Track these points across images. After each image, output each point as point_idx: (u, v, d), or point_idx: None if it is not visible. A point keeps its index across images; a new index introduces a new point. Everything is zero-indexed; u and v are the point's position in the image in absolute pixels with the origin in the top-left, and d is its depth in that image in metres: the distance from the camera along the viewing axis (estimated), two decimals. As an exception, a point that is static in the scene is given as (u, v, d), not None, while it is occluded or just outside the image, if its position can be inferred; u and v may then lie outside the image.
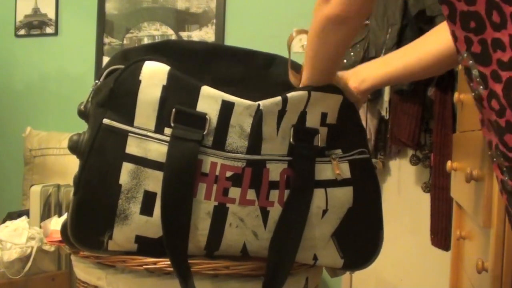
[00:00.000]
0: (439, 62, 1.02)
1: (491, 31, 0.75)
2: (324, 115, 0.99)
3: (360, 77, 1.06)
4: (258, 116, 0.94)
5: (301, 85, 0.97)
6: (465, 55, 0.78)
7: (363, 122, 1.58)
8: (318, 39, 0.88)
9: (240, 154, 0.93)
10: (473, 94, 0.80)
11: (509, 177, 0.78)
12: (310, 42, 0.90)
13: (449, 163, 1.59)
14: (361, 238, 1.05)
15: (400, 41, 2.02)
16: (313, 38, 0.89)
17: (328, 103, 0.99)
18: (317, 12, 0.86)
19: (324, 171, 1.00)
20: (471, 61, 0.78)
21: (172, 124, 0.92)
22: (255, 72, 1.05)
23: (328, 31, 0.86)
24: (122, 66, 0.96)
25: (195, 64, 1.04)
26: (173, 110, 0.93)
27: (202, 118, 0.93)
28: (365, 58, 2.07)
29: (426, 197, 2.16)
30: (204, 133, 0.92)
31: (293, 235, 0.98)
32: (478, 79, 0.78)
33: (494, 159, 0.80)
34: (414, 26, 1.97)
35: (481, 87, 0.78)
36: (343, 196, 1.01)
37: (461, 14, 0.76)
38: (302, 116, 0.98)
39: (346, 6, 0.82)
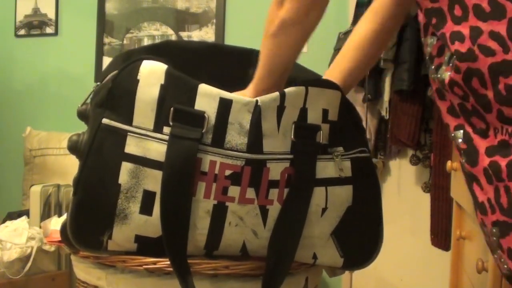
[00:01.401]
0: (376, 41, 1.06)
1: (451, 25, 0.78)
2: (325, 112, 0.99)
3: None
4: (257, 112, 0.94)
5: (251, 90, 0.99)
6: (429, 40, 0.83)
7: (363, 122, 1.58)
8: (273, 41, 0.93)
9: (240, 152, 0.93)
10: (441, 76, 0.82)
11: (466, 160, 0.80)
12: (265, 45, 0.95)
13: (449, 163, 1.59)
14: (361, 237, 1.05)
15: (400, 41, 2.03)
16: (268, 41, 0.94)
17: (328, 99, 0.99)
18: (272, 15, 0.92)
19: (325, 168, 0.99)
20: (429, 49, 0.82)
21: (171, 123, 0.93)
22: (254, 72, 1.05)
23: (284, 33, 0.92)
24: None
25: (195, 63, 1.04)
26: (172, 109, 0.93)
27: (200, 117, 0.93)
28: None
29: (426, 197, 2.16)
30: (203, 131, 0.92)
31: (292, 233, 0.97)
32: (451, 64, 0.80)
33: (454, 141, 0.83)
34: (414, 26, 1.98)
35: (448, 73, 0.80)
36: (343, 195, 1.01)
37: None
38: (303, 112, 0.98)
39: (296, 9, 0.89)
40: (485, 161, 0.77)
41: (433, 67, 0.84)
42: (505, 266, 0.77)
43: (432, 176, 2.09)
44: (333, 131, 1.01)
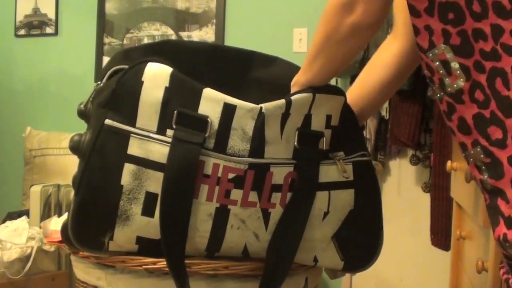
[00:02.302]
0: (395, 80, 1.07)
1: (471, 22, 0.75)
2: (328, 117, 0.99)
3: None
4: (261, 119, 0.93)
5: (299, 86, 0.97)
6: (443, 47, 0.79)
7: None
8: (341, 47, 0.90)
9: (242, 158, 0.93)
10: (443, 92, 0.80)
11: (488, 175, 0.78)
12: (327, 52, 0.91)
13: (449, 163, 1.59)
14: (361, 240, 1.04)
15: (400, 41, 2.02)
16: (333, 48, 0.90)
17: (331, 104, 0.99)
18: (337, 21, 0.87)
19: (328, 172, 0.99)
20: (449, 54, 0.78)
21: (174, 126, 0.92)
22: (255, 74, 1.05)
23: (355, 38, 0.88)
24: (125, 67, 0.96)
25: (194, 64, 1.04)
26: (175, 112, 0.92)
27: (203, 121, 0.93)
28: (365, 59, 2.07)
29: (426, 197, 2.16)
30: (206, 135, 0.92)
31: (293, 237, 0.97)
32: (458, 72, 0.78)
33: (471, 159, 0.80)
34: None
35: (461, 79, 0.78)
36: (345, 199, 1.01)
37: (439, 6, 0.77)
38: (307, 119, 0.97)
39: (371, 13, 0.84)
40: (510, 171, 0.75)
41: (436, 85, 0.82)
42: None
43: (432, 176, 2.09)
44: (335, 136, 1.00)
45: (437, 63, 0.80)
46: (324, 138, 0.98)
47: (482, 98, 0.77)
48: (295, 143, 0.96)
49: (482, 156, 0.78)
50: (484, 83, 0.76)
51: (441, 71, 0.80)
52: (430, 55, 0.80)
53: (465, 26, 0.77)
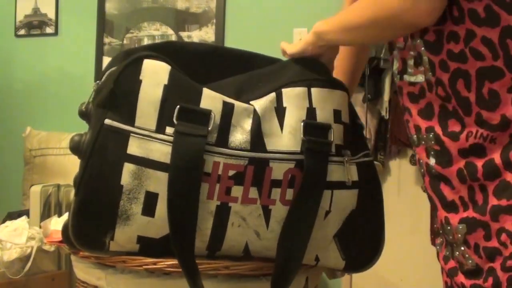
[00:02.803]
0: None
1: (450, 24, 0.79)
2: (337, 112, 0.99)
3: None
4: (257, 117, 0.95)
5: (315, 36, 0.97)
6: (418, 41, 0.84)
7: (363, 122, 1.58)
8: (384, 31, 0.86)
9: (244, 151, 0.93)
10: (414, 79, 0.86)
11: (436, 161, 0.84)
12: (366, 27, 0.88)
13: (449, 163, 1.58)
14: (362, 240, 1.05)
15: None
16: (373, 26, 0.86)
17: (338, 99, 0.99)
18: (394, 8, 0.81)
19: (334, 172, 0.99)
20: (423, 48, 0.83)
21: (176, 122, 0.92)
22: (255, 75, 1.05)
23: (403, 30, 0.85)
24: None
25: (195, 65, 1.04)
26: (177, 108, 0.92)
27: (206, 115, 0.93)
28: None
29: (426, 197, 2.16)
30: (209, 129, 0.92)
31: (302, 233, 0.97)
32: (427, 65, 0.83)
33: (422, 142, 0.86)
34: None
35: (430, 73, 0.83)
36: (348, 199, 1.01)
37: None
38: (312, 112, 0.97)
39: (430, 13, 0.80)
40: (460, 162, 0.81)
41: (396, 71, 0.88)
42: (470, 262, 0.81)
43: (432, 176, 2.09)
44: (346, 133, 1.00)
45: (412, 53, 0.86)
46: (332, 130, 0.98)
47: (443, 94, 0.82)
48: (301, 135, 0.96)
49: (433, 142, 0.84)
50: (445, 82, 0.81)
51: (411, 62, 0.86)
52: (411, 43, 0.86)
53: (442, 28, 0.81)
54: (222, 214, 0.95)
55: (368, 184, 1.03)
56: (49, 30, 2.96)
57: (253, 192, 0.95)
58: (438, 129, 0.83)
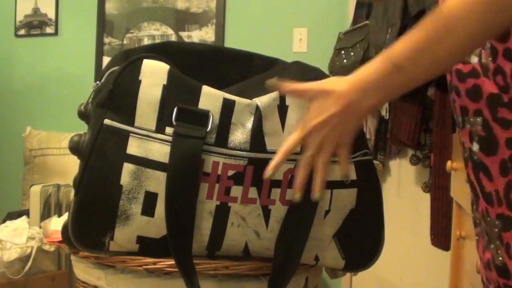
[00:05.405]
0: None
1: None
2: None
3: None
4: (258, 114, 0.95)
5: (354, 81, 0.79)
6: None
7: (363, 122, 1.58)
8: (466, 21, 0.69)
9: (243, 152, 0.93)
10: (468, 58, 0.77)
11: (479, 148, 0.77)
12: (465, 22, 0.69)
13: (449, 163, 1.59)
14: (362, 239, 1.05)
15: (400, 41, 2.02)
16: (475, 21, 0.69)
17: None
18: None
19: (332, 171, 0.99)
20: None
21: (174, 123, 0.92)
22: (255, 75, 1.05)
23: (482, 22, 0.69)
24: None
25: (195, 65, 1.04)
26: (175, 108, 0.93)
27: (204, 115, 0.93)
28: (365, 59, 2.07)
29: (426, 197, 2.16)
30: (207, 130, 0.92)
31: (300, 233, 0.97)
32: (488, 50, 0.76)
33: (468, 125, 0.78)
34: (414, 26, 1.98)
35: (490, 59, 0.76)
36: (347, 198, 1.01)
37: None
38: None
39: None
40: (505, 152, 0.74)
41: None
42: (500, 258, 0.77)
43: (432, 176, 2.09)
44: None
45: None
46: None
47: (502, 84, 0.75)
48: None
49: (479, 127, 0.77)
50: (507, 72, 0.74)
51: None
52: None
53: None
54: (221, 214, 0.95)
55: (367, 183, 1.03)
56: (49, 30, 2.96)
57: (253, 192, 0.95)
58: (487, 114, 0.75)
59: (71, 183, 0.96)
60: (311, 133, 0.84)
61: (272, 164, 0.88)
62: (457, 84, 0.81)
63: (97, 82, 1.00)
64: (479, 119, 0.77)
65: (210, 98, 0.94)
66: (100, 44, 2.84)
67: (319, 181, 0.87)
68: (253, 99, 0.96)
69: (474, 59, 0.78)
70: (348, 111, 0.80)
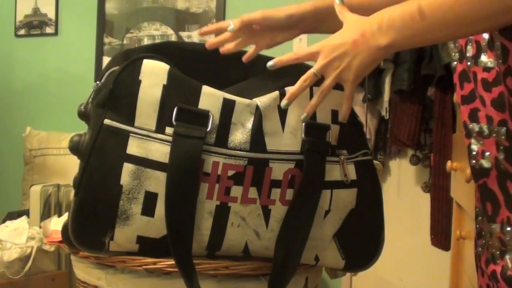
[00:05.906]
0: None
1: None
2: (334, 113, 0.99)
3: None
4: (258, 113, 0.95)
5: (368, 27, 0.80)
6: None
7: (363, 122, 1.58)
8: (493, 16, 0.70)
9: (243, 152, 0.93)
10: (490, 63, 0.78)
11: (504, 157, 0.77)
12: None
13: (449, 163, 1.59)
14: (362, 239, 1.05)
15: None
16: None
17: (336, 99, 0.99)
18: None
19: (332, 171, 0.99)
20: (496, 32, 0.74)
21: (174, 123, 0.92)
22: (255, 75, 1.05)
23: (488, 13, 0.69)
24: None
25: (195, 65, 1.04)
26: (175, 108, 0.93)
27: (204, 115, 0.93)
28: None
29: (426, 197, 2.16)
30: (207, 130, 0.92)
31: (300, 233, 0.97)
32: (499, 52, 0.75)
33: (494, 135, 0.79)
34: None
35: (500, 60, 0.75)
36: (347, 198, 1.01)
37: None
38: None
39: None
40: None
41: (469, 54, 0.79)
42: None
43: (432, 176, 2.09)
44: (342, 133, 1.01)
45: (485, 36, 0.77)
46: (331, 131, 0.98)
47: None
48: (302, 135, 0.96)
49: (503, 137, 0.77)
50: None
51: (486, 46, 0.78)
52: None
53: None
54: (221, 214, 0.95)
55: (367, 182, 1.04)
56: (49, 30, 2.96)
57: (253, 192, 0.95)
58: (511, 124, 0.76)
59: (71, 183, 0.96)
60: (322, 51, 0.86)
61: (291, 92, 0.91)
62: (482, 94, 0.80)
63: (97, 82, 1.00)
64: (503, 129, 0.77)
65: (210, 98, 0.94)
66: (100, 44, 2.84)
67: (312, 103, 0.91)
68: (253, 99, 0.96)
69: (494, 63, 0.78)
70: (360, 42, 0.81)
